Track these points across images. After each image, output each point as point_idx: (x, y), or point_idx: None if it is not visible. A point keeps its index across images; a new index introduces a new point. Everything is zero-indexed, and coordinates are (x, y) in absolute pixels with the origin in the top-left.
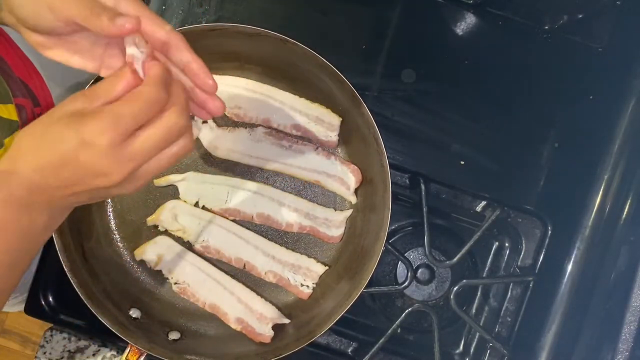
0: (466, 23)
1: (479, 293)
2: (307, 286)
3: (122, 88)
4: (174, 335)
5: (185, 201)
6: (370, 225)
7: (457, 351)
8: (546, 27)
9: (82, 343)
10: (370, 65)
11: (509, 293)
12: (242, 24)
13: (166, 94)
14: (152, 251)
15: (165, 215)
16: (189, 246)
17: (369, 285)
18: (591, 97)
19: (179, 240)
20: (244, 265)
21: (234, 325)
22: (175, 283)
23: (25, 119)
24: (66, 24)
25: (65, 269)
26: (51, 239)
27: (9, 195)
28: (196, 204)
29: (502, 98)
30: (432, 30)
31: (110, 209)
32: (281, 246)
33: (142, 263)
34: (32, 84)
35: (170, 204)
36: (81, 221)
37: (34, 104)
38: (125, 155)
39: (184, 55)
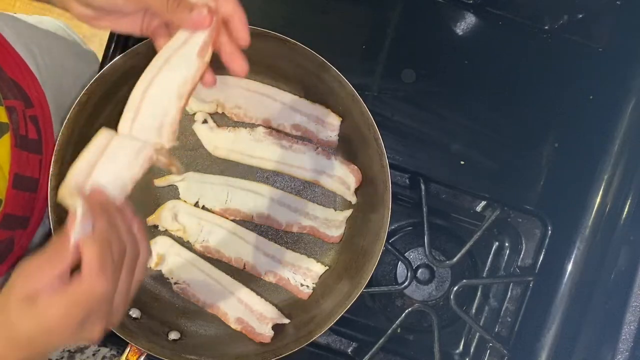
0: (466, 23)
1: (479, 293)
2: (307, 286)
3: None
4: (174, 335)
5: (185, 201)
6: (370, 225)
7: (457, 351)
8: (546, 27)
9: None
10: (370, 65)
11: (509, 293)
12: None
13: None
14: (152, 251)
15: (165, 215)
16: (189, 246)
17: (369, 285)
18: (591, 97)
19: (179, 240)
20: (244, 265)
21: (233, 325)
22: (175, 283)
23: (17, 121)
24: (136, 8)
25: None
26: (49, 239)
27: None
28: (196, 204)
29: (502, 98)
30: (432, 30)
31: None
32: (281, 246)
33: None
34: (25, 84)
35: (170, 204)
36: None
37: (26, 105)
38: (112, 307)
39: (230, 5)
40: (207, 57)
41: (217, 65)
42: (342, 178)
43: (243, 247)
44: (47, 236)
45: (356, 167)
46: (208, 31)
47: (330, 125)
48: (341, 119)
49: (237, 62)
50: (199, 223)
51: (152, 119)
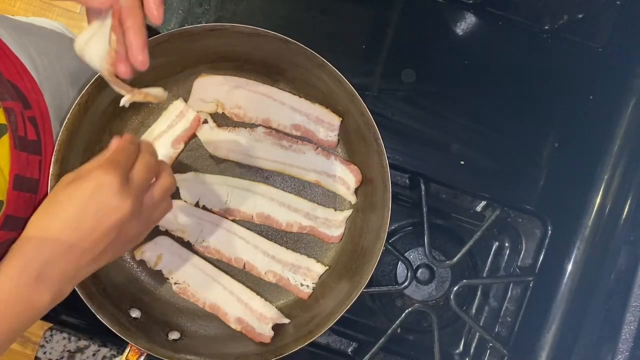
0: (466, 23)
1: (479, 293)
2: (307, 286)
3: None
4: (173, 335)
5: (185, 201)
6: (370, 225)
7: (457, 351)
8: (546, 27)
9: (82, 343)
10: (370, 65)
11: (509, 293)
12: (242, 24)
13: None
14: (152, 251)
15: (166, 215)
16: (189, 246)
17: (369, 285)
18: (591, 97)
19: (179, 240)
20: (244, 265)
21: (234, 325)
22: (175, 283)
23: (15, 123)
24: None
25: None
26: None
27: (24, 268)
28: (196, 204)
29: (502, 98)
30: (432, 30)
31: None
32: (281, 246)
33: (142, 263)
34: (23, 86)
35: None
36: None
37: (25, 106)
38: (130, 187)
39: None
40: (113, 44)
41: (215, 65)
42: (342, 178)
43: (243, 247)
44: None
45: (356, 167)
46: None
47: (330, 125)
48: (341, 119)
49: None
50: (199, 223)
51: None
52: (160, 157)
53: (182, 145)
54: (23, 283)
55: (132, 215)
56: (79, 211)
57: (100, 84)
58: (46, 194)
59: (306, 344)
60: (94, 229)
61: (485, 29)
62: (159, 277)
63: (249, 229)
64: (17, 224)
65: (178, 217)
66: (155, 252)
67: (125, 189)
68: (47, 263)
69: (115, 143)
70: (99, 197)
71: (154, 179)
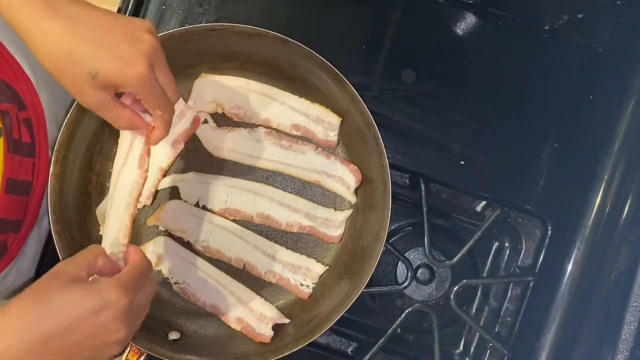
0: (466, 23)
1: (479, 293)
2: (307, 286)
3: (102, 262)
4: (173, 335)
5: (185, 201)
6: (370, 225)
7: (457, 351)
8: (546, 27)
9: None
10: (370, 65)
11: (509, 293)
12: (242, 24)
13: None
14: (152, 251)
15: (166, 215)
16: (188, 246)
17: (369, 285)
18: (591, 97)
19: (179, 240)
20: (244, 265)
21: (234, 325)
22: (175, 283)
23: (9, 125)
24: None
25: None
26: (51, 238)
27: None
28: (196, 204)
29: (502, 98)
30: (432, 30)
31: None
32: (281, 246)
33: None
34: (19, 87)
35: (171, 204)
36: (81, 222)
37: (19, 107)
38: (133, 312)
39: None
40: (146, 166)
41: (215, 65)
42: (342, 178)
43: (243, 247)
44: (42, 238)
45: (356, 167)
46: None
47: (330, 125)
48: (341, 119)
49: None
50: (199, 223)
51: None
52: (160, 157)
53: (182, 145)
54: None
55: (120, 342)
56: (73, 322)
57: None
58: (40, 196)
59: (306, 343)
60: (82, 342)
61: (485, 29)
62: (159, 277)
63: (249, 229)
64: (8, 226)
65: (178, 217)
66: (155, 252)
67: (128, 315)
68: None
69: (135, 257)
70: (102, 316)
71: None
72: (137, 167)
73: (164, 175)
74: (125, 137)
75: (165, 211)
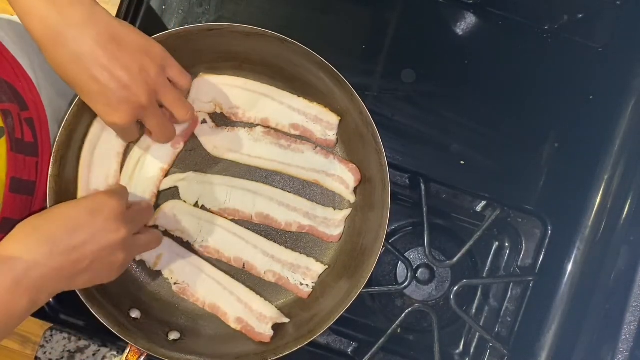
0: (466, 23)
1: (479, 293)
2: (307, 285)
3: None
4: (173, 336)
5: (185, 201)
6: (370, 224)
7: (457, 351)
8: (546, 27)
9: (82, 343)
10: (370, 65)
11: (509, 293)
12: (242, 24)
13: None
14: (151, 251)
15: (165, 215)
16: (188, 246)
17: (369, 285)
18: (591, 97)
19: (178, 240)
20: (244, 265)
21: (233, 325)
22: (175, 283)
23: (12, 125)
24: None
25: None
26: None
27: (5, 269)
28: (196, 204)
29: (502, 98)
30: (432, 30)
31: None
32: (280, 246)
33: (141, 263)
34: (20, 87)
35: (170, 204)
36: None
37: (21, 107)
38: (127, 217)
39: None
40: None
41: (213, 65)
42: (341, 177)
43: (242, 247)
44: None
45: (355, 166)
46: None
47: (329, 124)
48: (340, 118)
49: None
50: (198, 223)
51: None
52: (161, 158)
53: (181, 145)
54: (1, 285)
55: (122, 245)
56: (74, 223)
57: None
58: (44, 196)
59: (306, 343)
60: (81, 244)
61: (485, 29)
62: (159, 277)
63: (248, 228)
64: (13, 226)
65: (178, 217)
66: (154, 252)
67: (122, 216)
68: (29, 268)
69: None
70: (99, 216)
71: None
72: (170, 146)
73: (165, 176)
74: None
75: (164, 211)
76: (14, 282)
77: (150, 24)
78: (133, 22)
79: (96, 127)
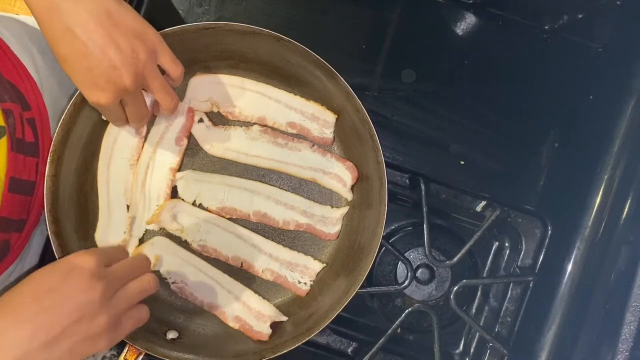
0: (466, 23)
1: (479, 293)
2: (305, 283)
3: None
4: (172, 335)
5: (183, 199)
6: (367, 222)
7: (457, 351)
8: (546, 27)
9: None
10: (370, 65)
11: (509, 293)
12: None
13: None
14: (150, 252)
15: (165, 215)
16: (186, 245)
17: (369, 285)
18: (591, 97)
19: (176, 239)
20: (241, 264)
21: (232, 324)
22: (173, 282)
23: (13, 124)
24: None
25: None
26: (48, 239)
27: None
28: (194, 203)
29: (502, 98)
30: (432, 30)
31: None
32: (278, 244)
33: None
34: (23, 87)
35: (170, 204)
36: (77, 222)
37: (23, 107)
38: (104, 274)
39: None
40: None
41: (210, 64)
42: (339, 175)
43: (240, 246)
44: (46, 238)
45: (352, 164)
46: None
47: (326, 123)
48: (336, 116)
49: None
50: (197, 222)
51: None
52: (168, 158)
53: (185, 141)
54: None
55: (98, 303)
56: (44, 287)
57: None
58: (43, 196)
59: (304, 341)
60: (52, 307)
61: (485, 29)
62: (157, 276)
63: (246, 227)
64: (11, 225)
65: (177, 216)
66: (152, 253)
67: (98, 273)
68: None
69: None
70: (70, 276)
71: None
72: (175, 145)
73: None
74: (159, 121)
75: (164, 211)
76: None
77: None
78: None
79: (107, 142)
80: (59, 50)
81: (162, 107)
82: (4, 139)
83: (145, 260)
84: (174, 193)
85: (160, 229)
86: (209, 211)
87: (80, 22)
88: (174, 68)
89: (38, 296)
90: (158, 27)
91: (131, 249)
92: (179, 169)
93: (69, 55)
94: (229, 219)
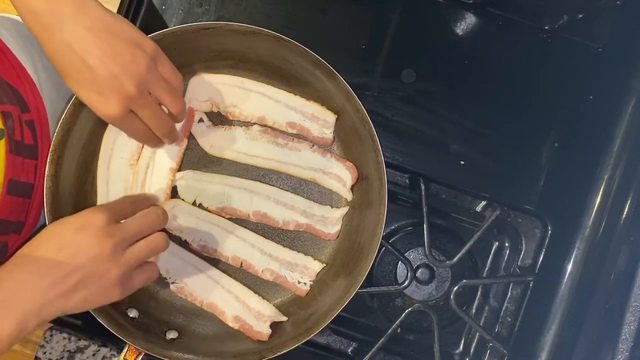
0: (466, 23)
1: (479, 293)
2: (305, 283)
3: None
4: (171, 335)
5: (183, 199)
6: (367, 222)
7: (457, 351)
8: (546, 27)
9: (82, 343)
10: (370, 65)
11: (509, 293)
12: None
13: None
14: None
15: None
16: (186, 245)
17: (369, 285)
18: (591, 97)
19: (176, 239)
20: (241, 264)
21: (231, 324)
22: (173, 282)
23: (12, 127)
24: None
25: None
26: None
27: None
28: (193, 203)
29: (502, 98)
30: (432, 30)
31: None
32: (278, 244)
33: None
34: (22, 89)
35: (170, 204)
36: None
37: (22, 109)
38: (115, 230)
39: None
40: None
41: (210, 64)
42: (338, 175)
43: (240, 246)
44: None
45: (352, 164)
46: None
47: (326, 123)
48: (336, 116)
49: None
50: (197, 222)
51: None
52: (168, 159)
53: (185, 141)
54: None
55: (109, 258)
56: (58, 242)
57: None
58: (41, 199)
59: (304, 341)
60: (67, 261)
61: (485, 29)
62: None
63: (246, 227)
64: (9, 227)
65: (177, 217)
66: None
67: (109, 229)
68: (11, 288)
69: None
70: (82, 232)
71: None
72: (174, 145)
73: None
74: None
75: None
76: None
77: (151, 23)
78: (133, 21)
79: (107, 142)
80: (60, 67)
81: (171, 110)
82: (3, 142)
83: (159, 216)
84: (173, 193)
85: None
86: (209, 211)
87: (78, 37)
88: (174, 77)
89: (54, 250)
90: (158, 28)
91: None
92: (179, 169)
93: (69, 71)
94: (229, 219)
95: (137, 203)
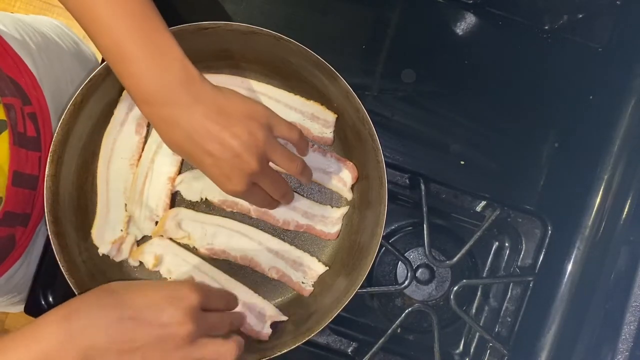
0: (466, 23)
1: (479, 293)
2: (307, 284)
3: None
4: None
5: (189, 201)
6: (367, 222)
7: (457, 351)
8: (546, 27)
9: None
10: (370, 65)
11: (509, 293)
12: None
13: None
14: (149, 252)
15: (169, 224)
16: (187, 246)
17: (369, 284)
18: (591, 97)
19: (184, 245)
20: (249, 262)
21: None
22: None
23: (15, 119)
24: None
25: (63, 270)
26: (48, 239)
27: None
28: (199, 200)
29: (502, 98)
30: (432, 30)
31: None
32: (284, 241)
33: (139, 263)
34: (23, 82)
35: (173, 212)
36: (77, 222)
37: (24, 102)
38: (202, 316)
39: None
40: None
41: (209, 64)
42: (339, 175)
43: (248, 244)
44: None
45: (352, 163)
46: None
47: (326, 122)
48: (336, 116)
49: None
50: (202, 227)
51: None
52: (166, 168)
53: None
54: (53, 337)
55: (180, 342)
56: (149, 300)
57: (95, 84)
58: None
59: (304, 341)
60: (144, 323)
61: (485, 29)
62: (157, 277)
63: (250, 225)
64: (16, 219)
65: (181, 225)
66: (152, 253)
67: (194, 313)
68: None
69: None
70: (174, 304)
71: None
72: (173, 155)
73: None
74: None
75: (168, 220)
76: (67, 337)
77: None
78: None
79: (107, 142)
80: (183, 152)
81: (290, 173)
82: (6, 133)
83: (238, 319)
84: (172, 203)
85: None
86: (212, 204)
87: (196, 127)
88: (292, 134)
89: (138, 306)
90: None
91: (127, 248)
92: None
93: (193, 155)
94: (230, 212)
95: (230, 302)
